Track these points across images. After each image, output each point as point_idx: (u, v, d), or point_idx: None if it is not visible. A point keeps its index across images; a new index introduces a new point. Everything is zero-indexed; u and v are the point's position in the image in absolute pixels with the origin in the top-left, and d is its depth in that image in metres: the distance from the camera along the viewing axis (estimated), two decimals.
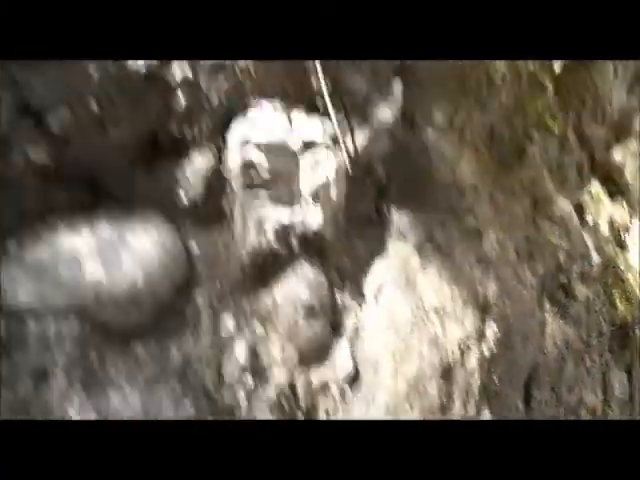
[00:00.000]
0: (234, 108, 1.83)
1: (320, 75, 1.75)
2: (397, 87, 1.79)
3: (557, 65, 2.54)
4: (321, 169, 1.51)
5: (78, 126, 1.63)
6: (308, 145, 1.52)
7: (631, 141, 3.07)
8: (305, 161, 1.53)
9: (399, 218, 1.75)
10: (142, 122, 1.71)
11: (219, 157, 1.76)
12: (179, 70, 1.73)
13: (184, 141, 1.77)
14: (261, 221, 1.70)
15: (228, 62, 1.89)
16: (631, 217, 2.89)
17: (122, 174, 1.73)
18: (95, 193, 1.70)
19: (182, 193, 1.71)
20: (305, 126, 1.65)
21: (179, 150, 1.77)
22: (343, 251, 1.75)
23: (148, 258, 1.66)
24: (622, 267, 2.80)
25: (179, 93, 1.72)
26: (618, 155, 2.96)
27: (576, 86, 2.76)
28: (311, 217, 1.73)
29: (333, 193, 1.58)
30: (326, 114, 1.76)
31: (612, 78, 2.95)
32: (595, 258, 2.59)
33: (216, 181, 1.75)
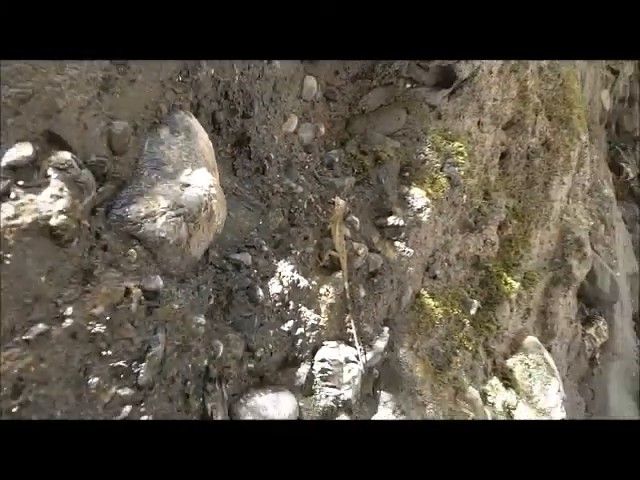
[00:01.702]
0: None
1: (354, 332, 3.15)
2: (386, 331, 3.45)
3: (473, 309, 4.26)
4: (351, 372, 3.09)
5: None
6: (347, 361, 3.12)
7: (520, 353, 4.78)
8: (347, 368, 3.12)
9: (385, 395, 3.34)
10: None
11: None
12: None
13: None
14: None
15: None
16: (517, 401, 4.52)
17: None
18: None
19: None
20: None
21: None
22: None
23: None
24: None
25: None
26: (511, 362, 4.68)
27: (485, 321, 4.51)
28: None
29: (358, 383, 3.16)
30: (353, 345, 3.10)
31: (509, 312, 4.73)
32: None
33: None
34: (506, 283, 4.51)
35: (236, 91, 2.78)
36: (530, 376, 4.56)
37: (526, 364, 4.55)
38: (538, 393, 4.45)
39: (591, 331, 6.77)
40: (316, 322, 2.92)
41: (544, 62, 5.53)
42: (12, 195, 1.77)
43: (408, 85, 3.81)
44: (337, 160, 3.47)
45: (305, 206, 3.08)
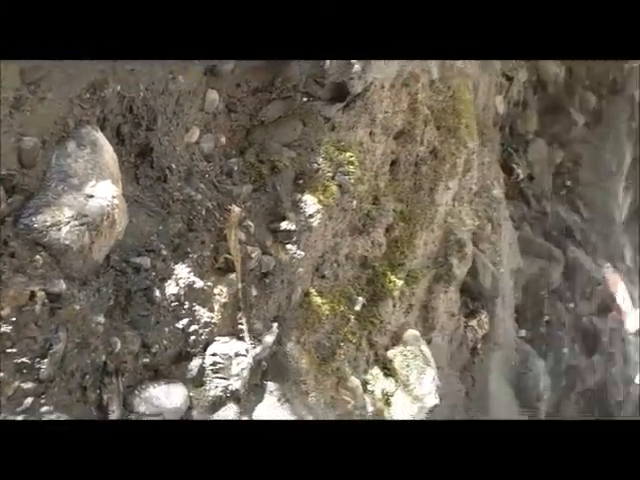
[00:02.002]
0: None
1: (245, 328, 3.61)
2: (275, 327, 3.79)
3: (358, 305, 4.67)
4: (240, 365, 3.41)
5: None
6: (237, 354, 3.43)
7: (400, 345, 5.27)
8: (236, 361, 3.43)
9: (272, 385, 3.69)
10: None
11: None
12: None
13: None
14: None
15: None
16: (395, 388, 5.00)
17: None
18: None
19: None
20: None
21: None
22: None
23: None
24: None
25: None
26: (391, 354, 5.10)
27: (369, 317, 4.94)
28: None
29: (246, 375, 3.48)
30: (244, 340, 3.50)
31: (392, 308, 5.18)
32: (370, 410, 4.62)
33: None
34: (390, 281, 4.95)
35: (140, 106, 2.99)
36: (408, 366, 4.97)
37: (405, 355, 5.01)
38: (414, 381, 4.90)
39: (473, 323, 7.25)
40: (209, 319, 3.22)
41: (436, 75, 5.88)
42: None
43: (305, 99, 4.09)
44: (236, 168, 3.75)
45: (203, 213, 3.35)
